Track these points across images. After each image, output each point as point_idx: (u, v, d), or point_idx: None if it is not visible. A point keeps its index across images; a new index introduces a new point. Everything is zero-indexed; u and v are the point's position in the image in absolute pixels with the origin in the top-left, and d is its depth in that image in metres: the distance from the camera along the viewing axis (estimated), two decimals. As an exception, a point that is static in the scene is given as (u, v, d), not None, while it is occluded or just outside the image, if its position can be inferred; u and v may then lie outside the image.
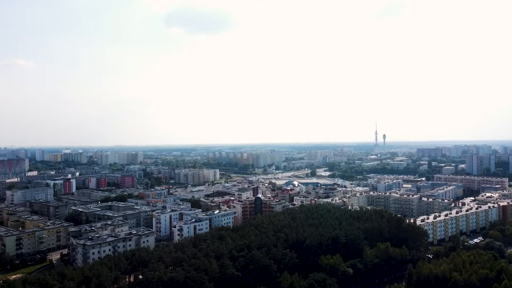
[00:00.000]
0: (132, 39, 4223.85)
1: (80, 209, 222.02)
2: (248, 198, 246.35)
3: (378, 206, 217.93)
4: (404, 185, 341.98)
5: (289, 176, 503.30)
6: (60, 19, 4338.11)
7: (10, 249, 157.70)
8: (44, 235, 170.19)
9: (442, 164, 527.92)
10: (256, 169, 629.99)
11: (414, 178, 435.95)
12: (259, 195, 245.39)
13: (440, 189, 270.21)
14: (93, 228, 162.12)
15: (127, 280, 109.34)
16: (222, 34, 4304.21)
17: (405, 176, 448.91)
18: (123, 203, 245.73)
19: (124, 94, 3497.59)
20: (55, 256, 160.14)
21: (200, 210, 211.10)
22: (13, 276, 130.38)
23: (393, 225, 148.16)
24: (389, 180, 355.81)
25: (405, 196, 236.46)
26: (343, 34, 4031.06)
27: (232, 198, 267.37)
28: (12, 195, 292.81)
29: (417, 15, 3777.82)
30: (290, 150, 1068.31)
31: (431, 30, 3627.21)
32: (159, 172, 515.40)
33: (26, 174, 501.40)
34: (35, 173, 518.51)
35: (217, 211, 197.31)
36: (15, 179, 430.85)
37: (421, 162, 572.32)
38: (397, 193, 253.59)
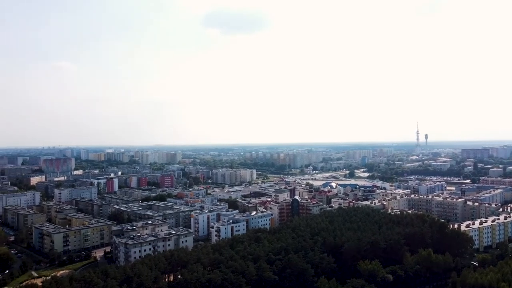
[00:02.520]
0: (170, 41, 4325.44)
1: (122, 208, 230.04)
2: (285, 200, 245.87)
3: (419, 210, 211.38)
4: (447, 188, 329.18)
5: (327, 177, 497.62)
6: (101, 23, 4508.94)
7: (57, 246, 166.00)
8: (89, 233, 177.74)
9: (489, 166, 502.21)
10: (293, 169, 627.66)
11: (458, 180, 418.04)
12: (296, 197, 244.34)
13: (486, 193, 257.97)
14: (134, 227, 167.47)
15: (166, 280, 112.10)
16: (257, 33, 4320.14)
17: (449, 178, 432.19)
18: (162, 202, 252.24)
19: (162, 94, 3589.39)
20: (99, 254, 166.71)
21: (237, 211, 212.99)
22: (61, 272, 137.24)
23: (435, 230, 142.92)
24: (432, 182, 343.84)
25: (448, 199, 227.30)
26: (381, 31, 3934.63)
27: (269, 199, 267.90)
28: (60, 193, 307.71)
29: (459, 11, 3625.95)
30: (327, 150, 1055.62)
31: (472, 26, 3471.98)
32: (197, 172, 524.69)
33: (72, 173, 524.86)
34: (80, 172, 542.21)
35: (254, 213, 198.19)
36: (63, 178, 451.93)
37: (466, 163, 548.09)
38: (440, 196, 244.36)
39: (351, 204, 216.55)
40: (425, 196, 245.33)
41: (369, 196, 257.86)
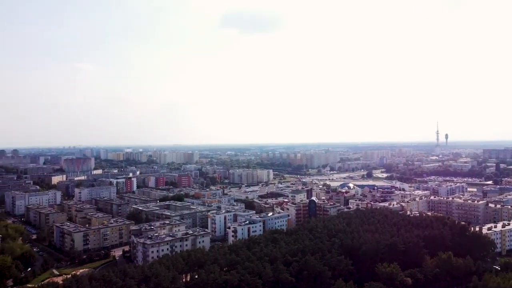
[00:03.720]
0: (186, 42, 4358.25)
1: (140, 208, 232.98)
2: (302, 201, 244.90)
3: (439, 212, 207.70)
4: (468, 189, 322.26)
5: (344, 178, 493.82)
6: (119, 24, 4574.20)
7: (78, 245, 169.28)
8: (108, 232, 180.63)
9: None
10: (310, 169, 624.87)
11: (480, 181, 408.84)
12: (313, 198, 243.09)
13: (509, 194, 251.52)
14: (152, 227, 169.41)
15: (183, 280, 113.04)
16: (274, 33, 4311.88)
17: (470, 179, 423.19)
18: (180, 202, 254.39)
19: (179, 94, 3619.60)
20: (117, 253, 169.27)
21: (254, 211, 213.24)
22: (81, 271, 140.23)
23: (456, 233, 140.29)
24: (452, 183, 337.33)
25: (469, 201, 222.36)
26: (399, 29, 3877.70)
27: (286, 200, 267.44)
28: (80, 192, 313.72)
29: (483, 7, 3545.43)
30: (345, 150, 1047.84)
31: (496, 23, 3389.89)
32: (214, 172, 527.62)
33: (92, 173, 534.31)
34: (99, 171, 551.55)
35: (271, 213, 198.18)
36: (83, 177, 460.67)
37: (488, 164, 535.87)
38: (460, 198, 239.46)
39: (369, 205, 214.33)
40: (445, 198, 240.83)
41: (387, 197, 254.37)
